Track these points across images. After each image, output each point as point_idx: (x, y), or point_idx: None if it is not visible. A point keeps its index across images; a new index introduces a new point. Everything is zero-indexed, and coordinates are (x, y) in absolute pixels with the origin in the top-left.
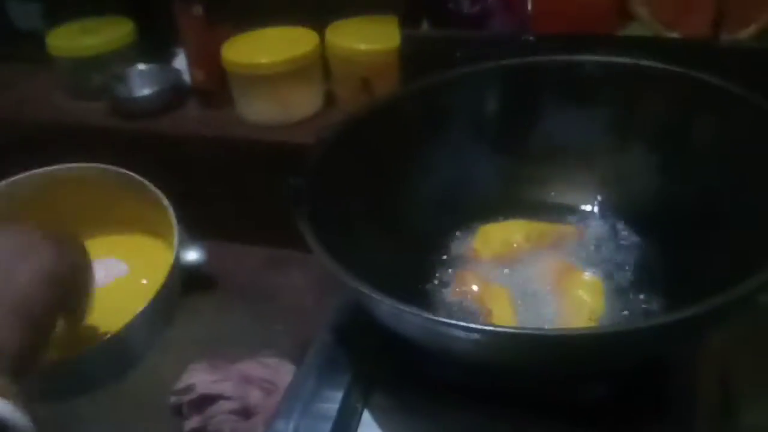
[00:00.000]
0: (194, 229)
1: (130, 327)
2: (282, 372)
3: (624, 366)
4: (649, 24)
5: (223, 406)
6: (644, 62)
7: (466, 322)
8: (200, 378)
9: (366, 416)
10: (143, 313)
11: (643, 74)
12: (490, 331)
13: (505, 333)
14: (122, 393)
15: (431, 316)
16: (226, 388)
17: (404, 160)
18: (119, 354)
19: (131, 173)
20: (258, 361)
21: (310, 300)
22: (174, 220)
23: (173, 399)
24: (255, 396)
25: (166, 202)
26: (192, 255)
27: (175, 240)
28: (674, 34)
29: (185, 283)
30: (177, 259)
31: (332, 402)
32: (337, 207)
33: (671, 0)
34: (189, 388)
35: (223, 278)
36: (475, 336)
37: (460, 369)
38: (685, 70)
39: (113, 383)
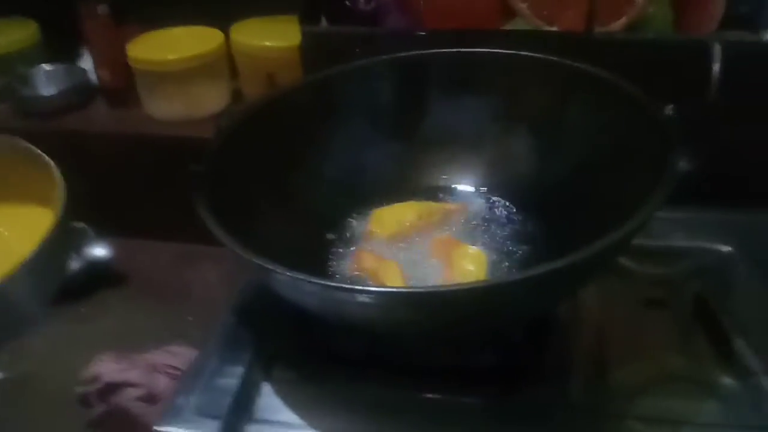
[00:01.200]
0: (103, 226)
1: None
2: (190, 359)
3: (500, 324)
4: (529, 19)
5: (130, 393)
6: (524, 53)
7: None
8: (106, 367)
9: (267, 389)
10: (21, 268)
11: (523, 64)
12: (377, 291)
13: (392, 293)
14: (28, 387)
15: (327, 282)
16: (132, 375)
17: (303, 146)
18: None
19: (19, 139)
20: (165, 350)
21: (222, 293)
22: (61, 184)
23: (79, 389)
24: (162, 382)
25: (55, 170)
26: (99, 251)
27: (61, 204)
28: (553, 28)
29: (95, 280)
30: (60, 220)
31: (233, 377)
32: (237, 192)
33: None
34: (95, 378)
35: (134, 274)
36: (366, 298)
37: (359, 341)
38: (560, 59)
39: None
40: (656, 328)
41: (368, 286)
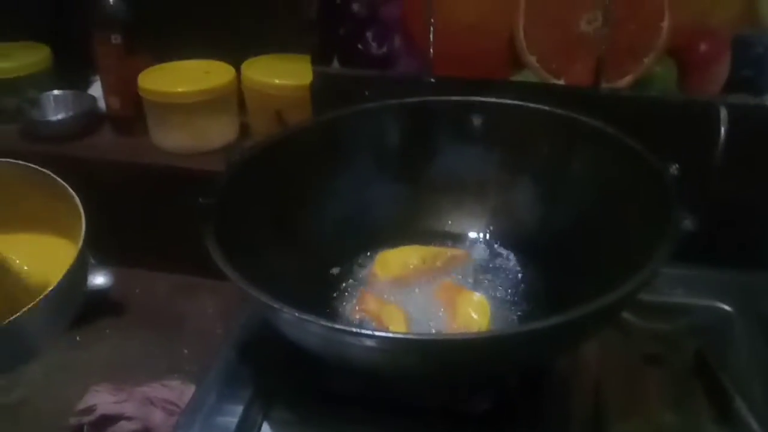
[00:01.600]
0: (104, 255)
1: (24, 316)
2: (186, 394)
3: (503, 372)
4: (537, 72)
5: (124, 426)
6: (531, 105)
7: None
8: (102, 399)
9: (266, 429)
10: (41, 302)
11: (530, 115)
12: (383, 337)
13: (396, 338)
14: (23, 415)
15: (330, 324)
16: (127, 408)
17: (310, 185)
18: (11, 344)
19: (38, 167)
20: (162, 383)
21: (219, 326)
22: (82, 214)
23: (73, 420)
24: (157, 417)
25: (74, 196)
26: (99, 279)
27: (82, 234)
28: (560, 82)
29: (92, 308)
30: (81, 254)
31: (232, 416)
32: (243, 227)
33: (557, 51)
34: (90, 409)
35: (132, 304)
36: (369, 342)
37: (358, 382)
38: (566, 112)
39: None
40: (654, 384)
41: (373, 330)
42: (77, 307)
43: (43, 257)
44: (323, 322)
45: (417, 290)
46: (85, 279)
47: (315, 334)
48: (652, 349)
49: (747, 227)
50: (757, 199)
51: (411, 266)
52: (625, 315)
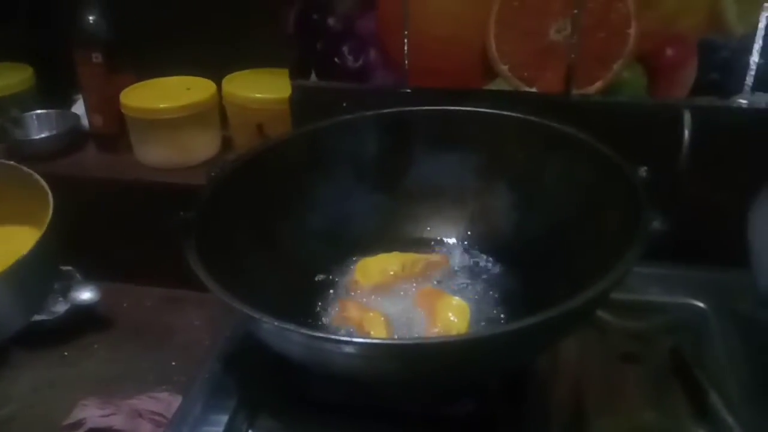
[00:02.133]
0: (90, 270)
1: None
2: (174, 405)
3: (483, 374)
4: (510, 80)
5: None
6: (505, 112)
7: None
8: (90, 412)
9: None
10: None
11: (504, 122)
12: (363, 343)
13: (374, 344)
14: (11, 430)
15: (309, 332)
16: (116, 421)
17: (290, 196)
18: None
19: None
20: (150, 395)
21: (206, 338)
22: (50, 200)
23: None
24: (146, 429)
25: (45, 187)
26: (86, 295)
27: (48, 220)
28: (532, 89)
29: (79, 324)
30: (46, 236)
31: (218, 425)
32: (225, 239)
33: (528, 60)
34: (78, 423)
35: (119, 318)
36: (349, 349)
37: (341, 390)
38: (539, 119)
39: None
40: (632, 382)
41: (352, 337)
42: (45, 294)
43: (14, 246)
44: (303, 331)
45: (397, 296)
46: (52, 265)
47: (296, 343)
48: (629, 348)
49: (719, 226)
50: (727, 199)
51: (391, 273)
52: (602, 314)
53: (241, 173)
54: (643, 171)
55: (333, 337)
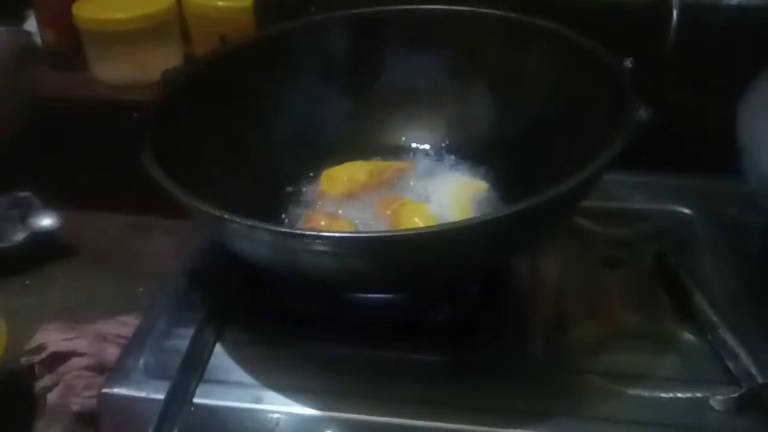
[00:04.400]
0: (49, 196)
1: None
2: None
3: (456, 272)
4: None
5: (77, 362)
6: (483, 9)
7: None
8: (52, 337)
9: (219, 349)
10: None
11: (482, 20)
12: (328, 237)
13: (342, 237)
14: None
15: (280, 229)
16: (79, 344)
17: (255, 101)
18: None
19: None
20: (116, 320)
21: (174, 264)
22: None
23: (24, 360)
24: (111, 352)
25: None
26: (45, 221)
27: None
28: None
29: (40, 251)
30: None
31: (183, 338)
32: (185, 145)
33: None
34: (40, 348)
35: (82, 246)
36: (320, 245)
37: (311, 300)
38: (519, 16)
39: None
40: (615, 287)
41: (320, 231)
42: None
43: None
44: (271, 227)
45: (364, 205)
46: None
47: (264, 243)
48: (611, 254)
49: (704, 130)
50: (713, 102)
51: (358, 181)
52: (584, 222)
53: (200, 75)
54: (628, 62)
55: (302, 232)
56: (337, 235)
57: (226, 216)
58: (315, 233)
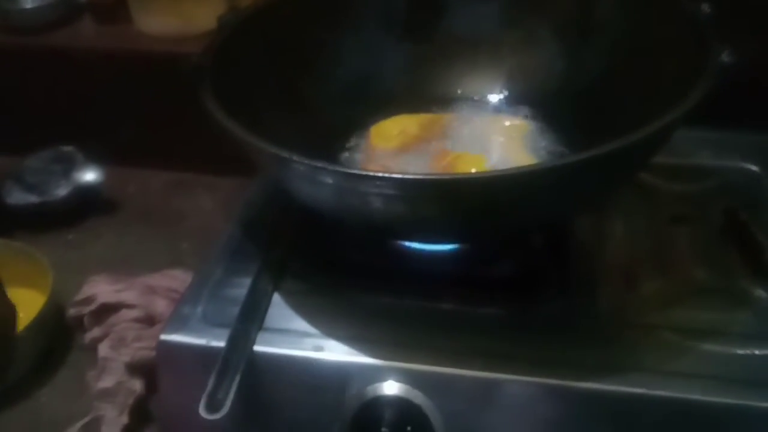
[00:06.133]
0: (91, 151)
1: None
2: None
3: (525, 221)
4: None
5: (126, 314)
6: None
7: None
8: (101, 288)
9: (277, 299)
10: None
11: None
12: (401, 179)
13: (413, 179)
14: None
15: (347, 170)
16: (129, 296)
17: (311, 48)
18: None
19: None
20: (164, 273)
21: (219, 221)
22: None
23: (73, 311)
24: (160, 305)
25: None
26: (89, 176)
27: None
28: None
29: (83, 207)
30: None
31: (241, 287)
32: (242, 90)
33: None
34: (89, 299)
35: (125, 202)
36: (387, 187)
37: (371, 251)
38: None
39: None
40: (684, 243)
41: (390, 173)
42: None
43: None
44: (338, 168)
45: (417, 158)
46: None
47: (330, 187)
48: (679, 210)
49: None
50: None
51: (409, 134)
52: (651, 179)
53: (256, 21)
54: (706, 6)
55: (370, 173)
56: (409, 177)
57: (295, 158)
58: (388, 175)
